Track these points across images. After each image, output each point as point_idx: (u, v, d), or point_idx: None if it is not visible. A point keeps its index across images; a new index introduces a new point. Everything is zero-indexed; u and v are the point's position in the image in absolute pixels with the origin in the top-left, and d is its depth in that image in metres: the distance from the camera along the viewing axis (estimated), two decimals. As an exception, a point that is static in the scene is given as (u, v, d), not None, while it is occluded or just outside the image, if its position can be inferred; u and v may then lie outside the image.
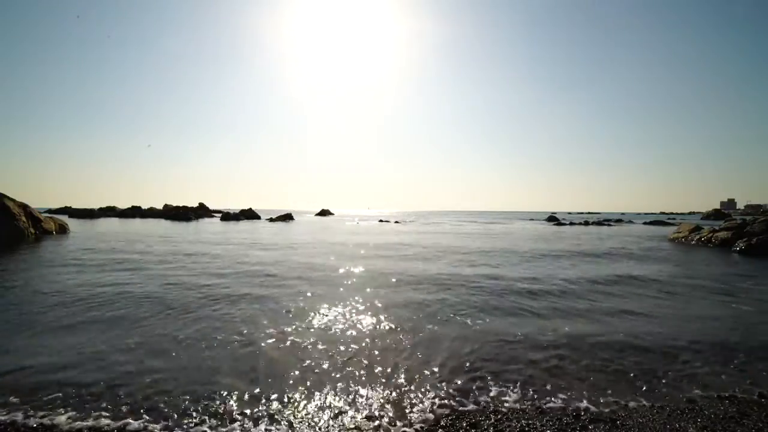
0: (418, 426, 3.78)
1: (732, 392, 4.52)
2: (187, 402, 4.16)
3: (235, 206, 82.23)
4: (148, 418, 3.86)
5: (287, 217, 55.85)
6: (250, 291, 9.42)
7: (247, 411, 4.00)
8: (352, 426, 3.77)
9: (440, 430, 3.72)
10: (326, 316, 7.43)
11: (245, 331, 6.46)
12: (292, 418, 3.89)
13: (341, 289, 9.85)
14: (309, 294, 9.19)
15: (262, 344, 5.90)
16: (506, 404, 4.22)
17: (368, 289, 9.81)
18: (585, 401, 4.27)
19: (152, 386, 4.48)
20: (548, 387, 4.63)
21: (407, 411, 4.06)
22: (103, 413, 3.92)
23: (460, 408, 4.12)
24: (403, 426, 3.79)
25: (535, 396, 4.40)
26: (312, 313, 7.54)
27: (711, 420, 3.88)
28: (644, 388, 4.63)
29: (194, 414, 3.94)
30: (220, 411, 3.99)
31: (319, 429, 3.72)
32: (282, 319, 7.18)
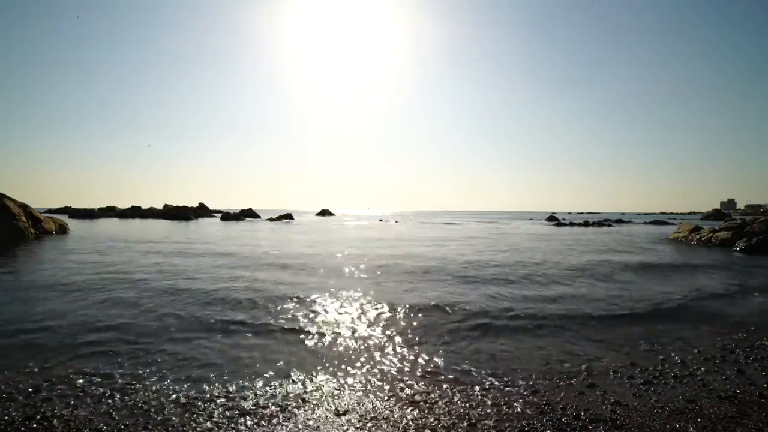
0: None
1: (732, 392, 4.52)
2: None
3: (235, 206, 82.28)
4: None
5: (287, 217, 55.86)
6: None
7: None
8: None
9: (441, 430, 3.73)
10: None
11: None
12: None
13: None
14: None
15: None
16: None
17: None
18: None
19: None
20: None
21: None
22: None
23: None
24: None
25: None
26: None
27: (711, 420, 3.87)
28: (644, 387, 4.63)
29: None
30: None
31: None
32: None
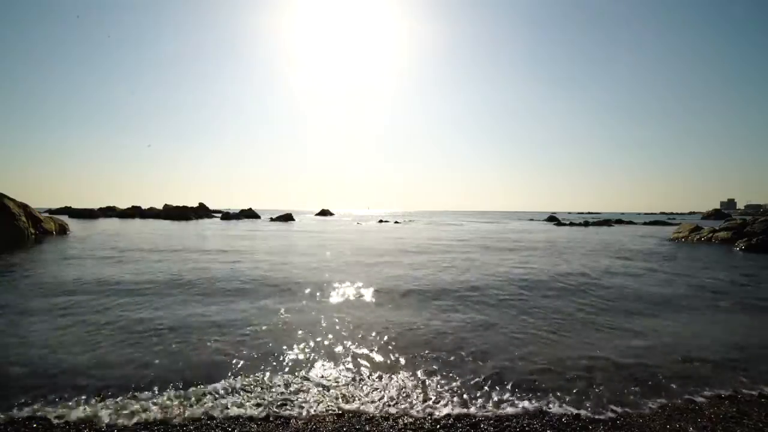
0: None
1: (732, 392, 4.51)
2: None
3: (236, 206, 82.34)
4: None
5: (287, 218, 55.86)
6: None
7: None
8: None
9: (441, 430, 3.73)
10: None
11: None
12: None
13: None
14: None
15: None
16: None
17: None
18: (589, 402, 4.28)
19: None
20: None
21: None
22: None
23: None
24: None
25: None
26: None
27: (711, 420, 3.87)
28: (644, 387, 4.62)
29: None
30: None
31: None
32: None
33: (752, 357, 5.61)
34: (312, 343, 5.96)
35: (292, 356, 5.45)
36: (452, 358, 5.41)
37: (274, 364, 5.17)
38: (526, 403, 4.20)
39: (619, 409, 4.08)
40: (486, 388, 4.57)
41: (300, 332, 6.46)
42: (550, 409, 4.08)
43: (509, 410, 4.06)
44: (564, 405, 4.16)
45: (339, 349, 5.75)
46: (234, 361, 5.23)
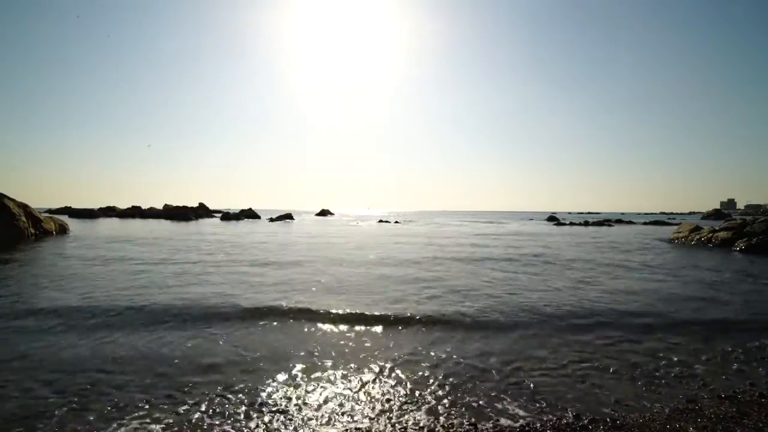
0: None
1: (732, 392, 4.51)
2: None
3: (236, 206, 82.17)
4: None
5: (287, 218, 55.90)
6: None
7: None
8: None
9: (441, 430, 3.73)
10: None
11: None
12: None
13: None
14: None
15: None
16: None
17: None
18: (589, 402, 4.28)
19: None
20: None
21: None
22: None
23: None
24: None
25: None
26: None
27: (711, 420, 3.87)
28: (644, 387, 4.63)
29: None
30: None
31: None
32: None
33: (752, 358, 5.62)
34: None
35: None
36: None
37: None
38: (522, 410, 4.21)
39: (619, 410, 4.09)
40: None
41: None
42: (551, 411, 4.09)
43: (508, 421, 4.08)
44: (564, 406, 4.17)
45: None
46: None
